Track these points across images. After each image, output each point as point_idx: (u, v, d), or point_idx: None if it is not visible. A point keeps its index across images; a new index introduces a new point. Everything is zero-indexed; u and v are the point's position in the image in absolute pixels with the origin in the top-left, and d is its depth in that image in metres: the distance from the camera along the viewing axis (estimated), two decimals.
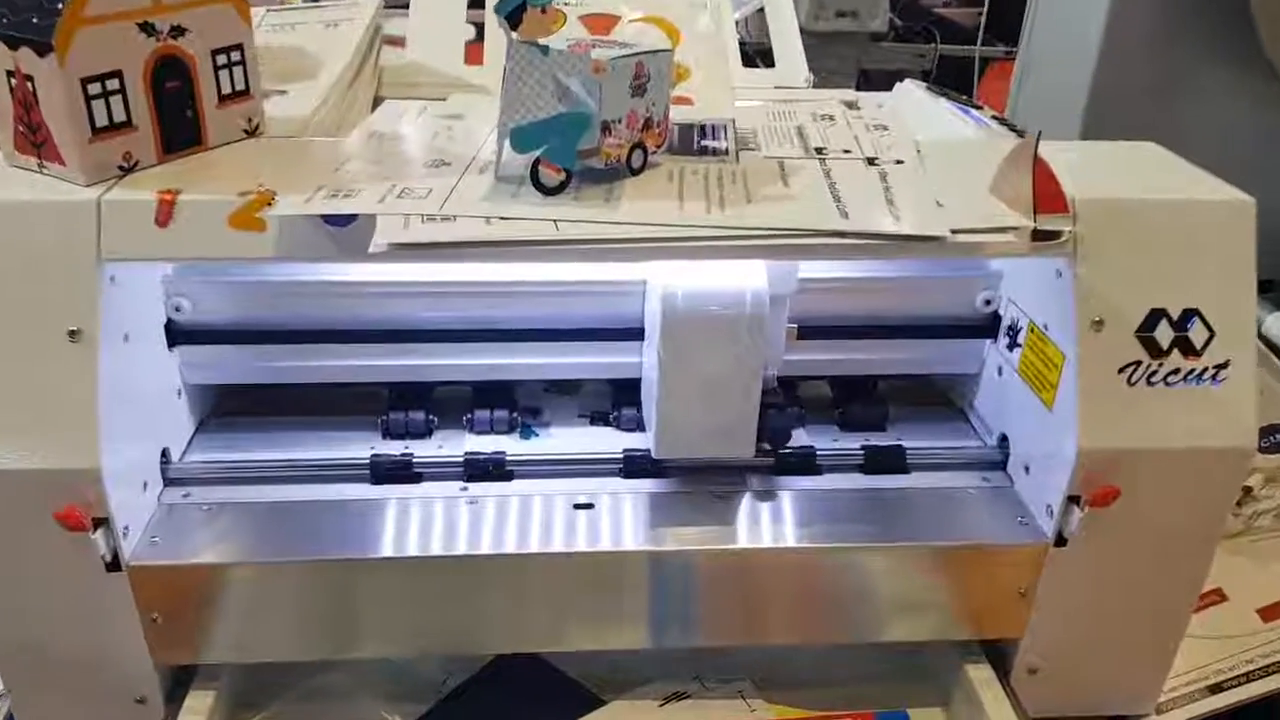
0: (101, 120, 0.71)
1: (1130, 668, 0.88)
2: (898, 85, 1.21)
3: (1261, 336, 1.30)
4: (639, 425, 0.91)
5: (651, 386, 0.81)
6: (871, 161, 0.79)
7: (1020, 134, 1.02)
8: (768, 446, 0.84)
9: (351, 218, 0.69)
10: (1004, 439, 0.88)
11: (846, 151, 0.81)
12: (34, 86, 0.69)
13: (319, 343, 0.86)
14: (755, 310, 0.77)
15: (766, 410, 0.83)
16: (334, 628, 0.80)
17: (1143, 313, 0.75)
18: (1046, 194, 0.73)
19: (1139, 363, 0.75)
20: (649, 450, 0.85)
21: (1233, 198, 0.76)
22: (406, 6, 1.13)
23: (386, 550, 0.77)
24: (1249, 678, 0.90)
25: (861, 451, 0.87)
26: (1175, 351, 0.75)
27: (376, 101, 1.10)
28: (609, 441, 0.89)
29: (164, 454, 0.82)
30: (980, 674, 0.85)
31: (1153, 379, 0.76)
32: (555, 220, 0.67)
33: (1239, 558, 0.98)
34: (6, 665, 0.79)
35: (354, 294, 0.85)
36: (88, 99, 0.70)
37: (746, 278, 0.77)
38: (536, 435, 0.91)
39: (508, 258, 0.68)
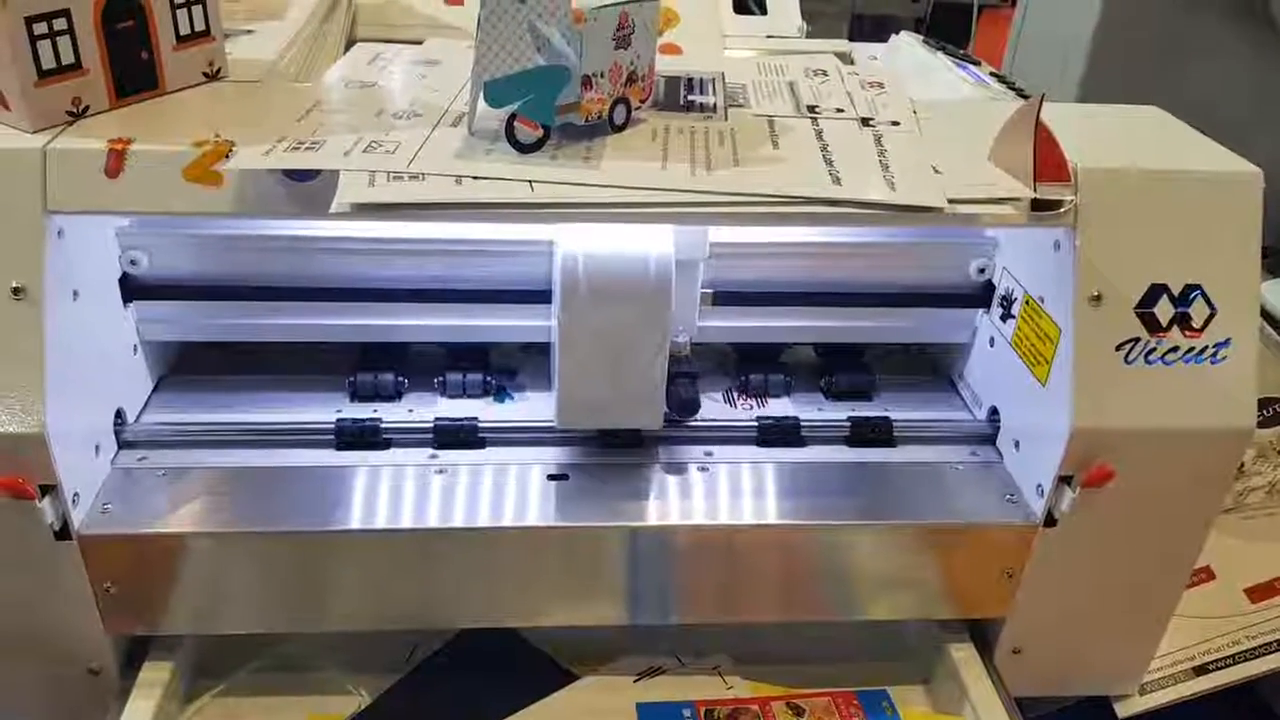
0: (48, 62, 0.67)
1: (1116, 649, 0.86)
2: (893, 38, 1.17)
3: None
4: None
5: (555, 352, 0.77)
6: (866, 122, 0.75)
7: (1020, 92, 0.99)
8: (676, 417, 0.81)
9: (314, 172, 0.65)
10: (994, 412, 0.85)
11: (840, 110, 0.77)
12: None
13: (284, 300, 0.82)
14: (660, 277, 0.72)
15: (676, 380, 0.79)
16: (297, 600, 0.77)
17: (1143, 288, 0.72)
18: (1048, 162, 0.69)
19: (1137, 339, 0.72)
20: None
21: (1239, 169, 0.73)
22: None
23: (352, 522, 0.74)
24: (1235, 660, 0.89)
25: (847, 423, 0.84)
26: (1175, 328, 0.72)
27: (349, 44, 1.06)
28: None
29: (118, 415, 0.78)
30: (963, 653, 0.83)
31: (1150, 357, 0.73)
32: (530, 181, 0.64)
33: (1229, 535, 0.96)
34: None
35: (321, 249, 0.80)
36: (33, 39, 0.65)
37: (652, 243, 0.73)
38: (511, 399, 0.87)
39: (479, 219, 0.64)
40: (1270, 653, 0.90)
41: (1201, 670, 0.89)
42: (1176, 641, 0.89)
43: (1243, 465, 1.01)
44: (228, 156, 0.65)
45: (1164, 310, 0.72)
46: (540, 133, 0.67)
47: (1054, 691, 0.89)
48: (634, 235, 0.73)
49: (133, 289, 0.79)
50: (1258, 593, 0.94)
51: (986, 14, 2.57)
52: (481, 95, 0.66)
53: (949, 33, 1.27)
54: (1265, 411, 1.03)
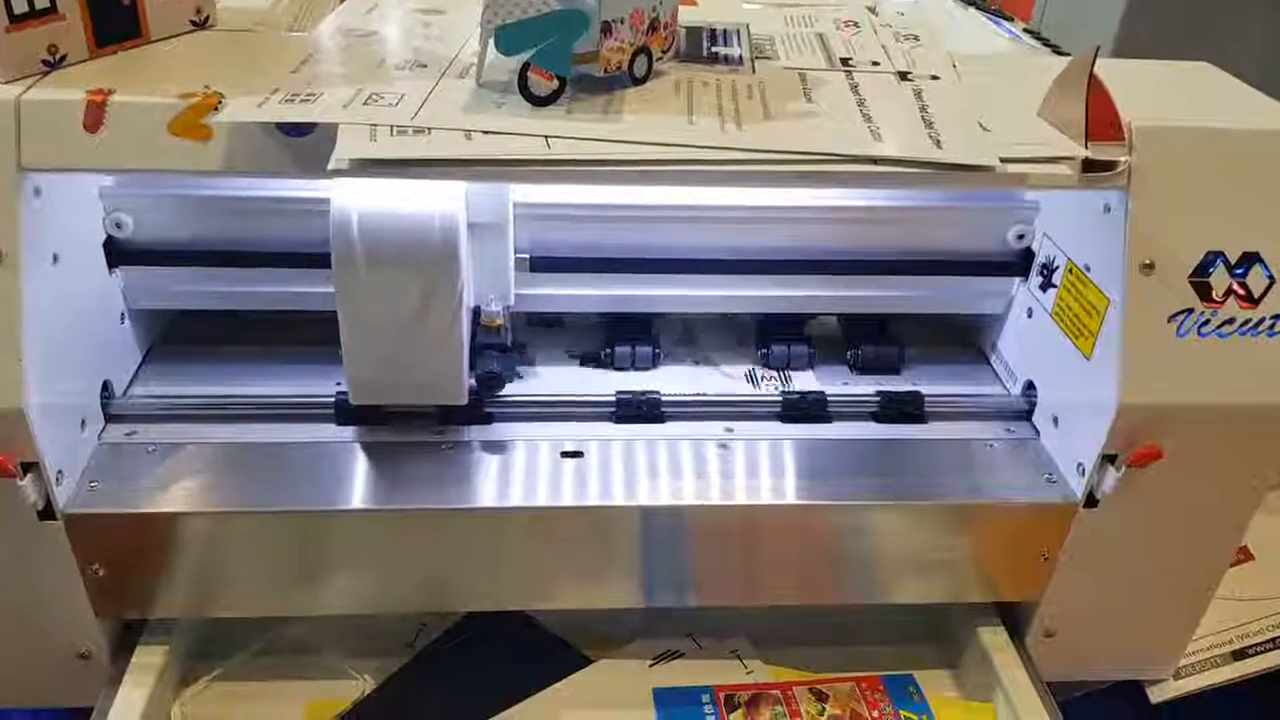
0: (20, 6, 0.62)
1: (1152, 632, 0.83)
2: None
3: None
4: (633, 364, 0.83)
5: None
6: (904, 76, 0.70)
7: (1056, 49, 0.94)
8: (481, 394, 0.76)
9: (311, 126, 0.60)
10: (1030, 386, 0.81)
11: (875, 64, 0.72)
12: None
13: (280, 265, 0.78)
14: (446, 239, 0.66)
15: (483, 352, 0.75)
16: (296, 582, 0.73)
17: (1198, 255, 0.67)
18: (1102, 120, 0.64)
19: (1190, 310, 0.68)
20: (641, 392, 0.79)
21: None
22: None
23: (353, 501, 0.70)
24: (1275, 644, 0.85)
25: (876, 398, 0.80)
26: (1231, 299, 0.68)
27: None
28: (600, 383, 0.82)
29: (105, 388, 0.74)
30: (994, 637, 0.80)
31: (1204, 329, 0.69)
32: (546, 136, 0.59)
33: (1268, 514, 0.92)
34: None
35: (318, 211, 0.75)
36: None
37: (438, 200, 0.66)
38: (519, 375, 0.83)
39: (489, 178, 0.60)
40: None
41: (1240, 655, 0.85)
42: (1214, 624, 0.85)
43: None
44: (216, 109, 0.60)
45: (1220, 279, 0.68)
46: (555, 84, 0.62)
47: (1086, 675, 0.85)
48: (418, 191, 0.66)
49: (118, 253, 0.75)
50: None
51: None
52: (492, 42, 0.61)
53: None
54: None
